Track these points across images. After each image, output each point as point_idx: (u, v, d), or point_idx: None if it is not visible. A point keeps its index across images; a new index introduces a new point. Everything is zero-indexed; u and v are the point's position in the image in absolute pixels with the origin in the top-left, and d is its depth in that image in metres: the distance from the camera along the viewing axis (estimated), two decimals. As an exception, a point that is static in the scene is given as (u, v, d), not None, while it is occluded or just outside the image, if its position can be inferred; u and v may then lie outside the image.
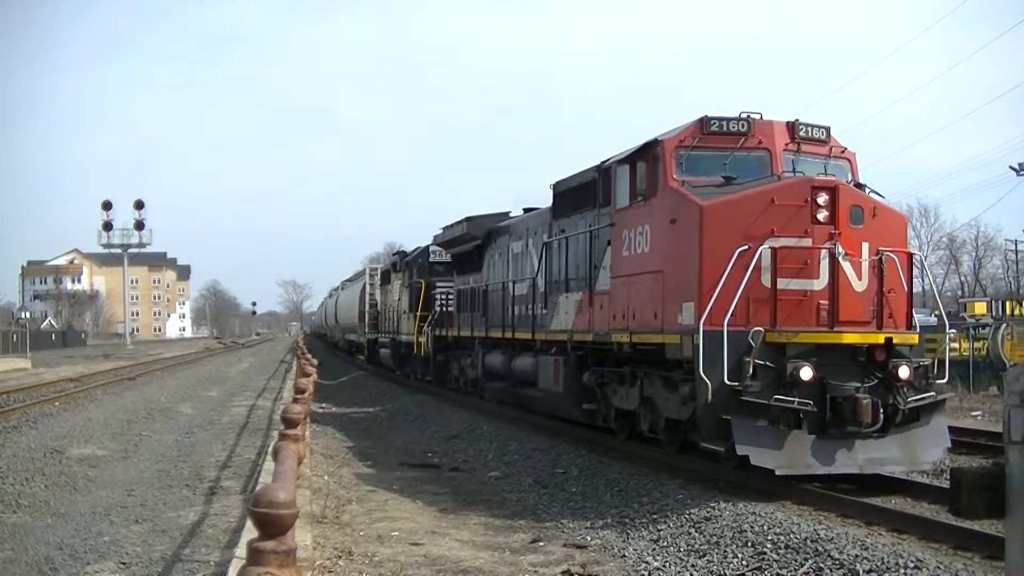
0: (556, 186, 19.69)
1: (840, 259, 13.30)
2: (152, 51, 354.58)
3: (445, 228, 29.77)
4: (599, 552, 11.16)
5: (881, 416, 12.99)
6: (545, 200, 23.36)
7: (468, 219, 26.84)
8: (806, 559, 10.07)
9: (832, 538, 10.52)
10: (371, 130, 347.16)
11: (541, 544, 11.50)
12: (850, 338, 13.28)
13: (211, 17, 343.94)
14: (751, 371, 12.74)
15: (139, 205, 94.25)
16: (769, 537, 10.90)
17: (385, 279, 44.18)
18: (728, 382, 12.70)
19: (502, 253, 24.43)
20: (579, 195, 18.42)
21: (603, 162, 17.17)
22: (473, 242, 26.74)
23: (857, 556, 9.85)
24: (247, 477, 15.13)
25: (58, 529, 11.60)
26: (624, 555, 10.96)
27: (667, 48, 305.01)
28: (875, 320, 13.64)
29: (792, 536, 10.79)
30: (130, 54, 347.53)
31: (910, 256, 14.48)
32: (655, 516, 12.59)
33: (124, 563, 10.19)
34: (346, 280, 78.79)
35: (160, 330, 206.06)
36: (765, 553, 10.45)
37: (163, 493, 13.96)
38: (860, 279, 13.52)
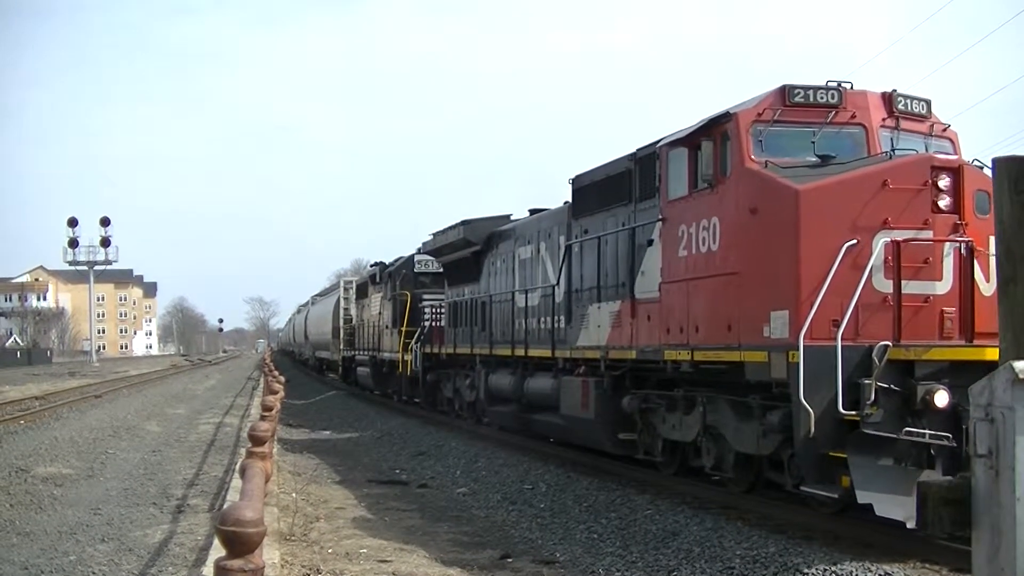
0: (576, 181, 17.51)
1: (967, 256, 11.11)
2: (117, 67, 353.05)
3: (435, 234, 27.25)
4: (568, 568, 11.13)
5: None
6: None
7: (465, 223, 24.37)
8: (775, 574, 10.11)
9: (800, 552, 10.56)
10: (336, 147, 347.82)
11: (510, 560, 11.47)
12: (995, 354, 10.57)
13: (176, 33, 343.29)
14: (872, 396, 10.42)
15: (105, 222, 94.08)
16: (738, 552, 10.93)
17: (362, 292, 42.30)
18: (844, 411, 10.38)
19: (506, 260, 22.11)
20: (608, 189, 16.19)
21: (642, 148, 15.00)
22: (470, 248, 24.17)
23: (825, 570, 9.87)
24: (214, 495, 14.97)
25: (23, 549, 11.45)
26: (593, 570, 10.93)
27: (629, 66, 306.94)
28: None
29: (760, 551, 10.81)
30: (95, 70, 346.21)
31: None
32: (624, 531, 12.60)
33: (91, 583, 10.10)
34: (316, 295, 77.88)
35: (127, 347, 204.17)
36: (734, 567, 10.47)
37: (130, 511, 13.78)
38: (988, 281, 11.06)
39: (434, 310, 29.25)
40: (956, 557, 9.56)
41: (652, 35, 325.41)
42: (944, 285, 11.14)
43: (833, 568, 9.86)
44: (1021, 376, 5.58)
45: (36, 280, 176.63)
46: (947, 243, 11.15)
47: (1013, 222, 6.14)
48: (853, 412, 10.39)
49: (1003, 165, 6.31)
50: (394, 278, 33.93)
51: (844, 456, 10.51)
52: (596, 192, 16.73)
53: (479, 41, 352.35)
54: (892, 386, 10.56)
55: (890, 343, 10.65)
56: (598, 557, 11.46)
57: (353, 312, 44.87)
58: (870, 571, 9.69)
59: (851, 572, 9.72)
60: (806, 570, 9.95)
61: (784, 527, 11.87)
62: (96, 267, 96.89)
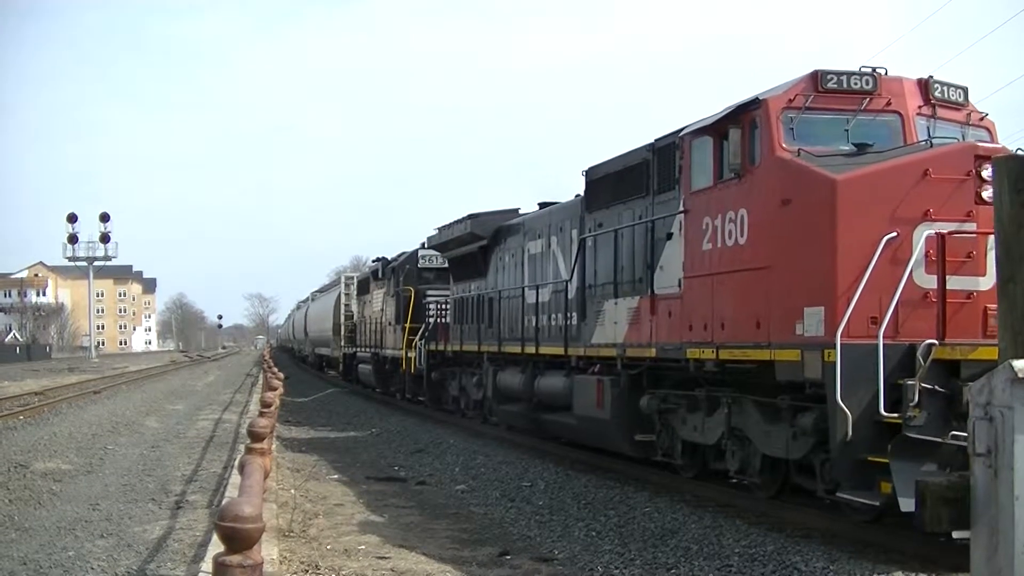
0: (590, 172, 17.01)
1: None
2: (117, 65, 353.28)
3: (441, 228, 26.67)
4: (567, 565, 11.10)
5: None
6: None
7: (472, 216, 23.82)
8: (773, 572, 10.11)
9: (799, 550, 10.58)
10: (335, 145, 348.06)
11: (508, 557, 11.45)
12: None
13: (175, 33, 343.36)
14: (915, 398, 9.96)
15: (104, 218, 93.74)
16: (736, 550, 10.96)
17: (363, 289, 41.86)
18: (885, 413, 9.98)
19: (514, 254, 21.61)
20: (624, 181, 15.67)
21: (660, 138, 14.53)
22: (477, 243, 23.66)
23: (824, 568, 9.89)
24: (213, 491, 14.92)
25: (22, 544, 11.42)
26: (592, 568, 10.90)
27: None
28: None
29: (758, 549, 10.85)
30: (95, 68, 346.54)
31: None
32: (622, 529, 12.61)
33: (89, 578, 10.10)
34: (316, 291, 77.76)
35: (126, 343, 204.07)
36: (732, 565, 10.48)
37: (128, 507, 13.75)
38: None
39: (439, 306, 28.67)
40: (955, 556, 9.53)
41: (651, 36, 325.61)
42: (988, 280, 10.53)
43: (831, 567, 9.86)
44: (1020, 375, 5.58)
45: (36, 276, 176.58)
46: (991, 236, 10.25)
47: (1012, 222, 6.15)
48: (895, 414, 9.96)
49: (1003, 165, 6.32)
50: (397, 273, 33.44)
51: (883, 461, 10.02)
52: (611, 184, 16.24)
53: (479, 40, 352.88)
54: (936, 387, 10.10)
55: (936, 342, 10.22)
56: (596, 554, 11.45)
57: (354, 308, 44.47)
58: (868, 570, 9.68)
59: (849, 571, 9.71)
60: (804, 568, 9.95)
61: (782, 525, 11.88)
62: (96, 263, 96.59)
